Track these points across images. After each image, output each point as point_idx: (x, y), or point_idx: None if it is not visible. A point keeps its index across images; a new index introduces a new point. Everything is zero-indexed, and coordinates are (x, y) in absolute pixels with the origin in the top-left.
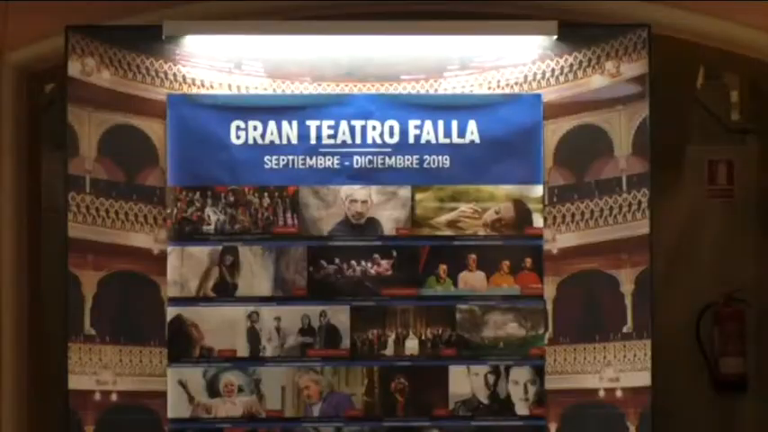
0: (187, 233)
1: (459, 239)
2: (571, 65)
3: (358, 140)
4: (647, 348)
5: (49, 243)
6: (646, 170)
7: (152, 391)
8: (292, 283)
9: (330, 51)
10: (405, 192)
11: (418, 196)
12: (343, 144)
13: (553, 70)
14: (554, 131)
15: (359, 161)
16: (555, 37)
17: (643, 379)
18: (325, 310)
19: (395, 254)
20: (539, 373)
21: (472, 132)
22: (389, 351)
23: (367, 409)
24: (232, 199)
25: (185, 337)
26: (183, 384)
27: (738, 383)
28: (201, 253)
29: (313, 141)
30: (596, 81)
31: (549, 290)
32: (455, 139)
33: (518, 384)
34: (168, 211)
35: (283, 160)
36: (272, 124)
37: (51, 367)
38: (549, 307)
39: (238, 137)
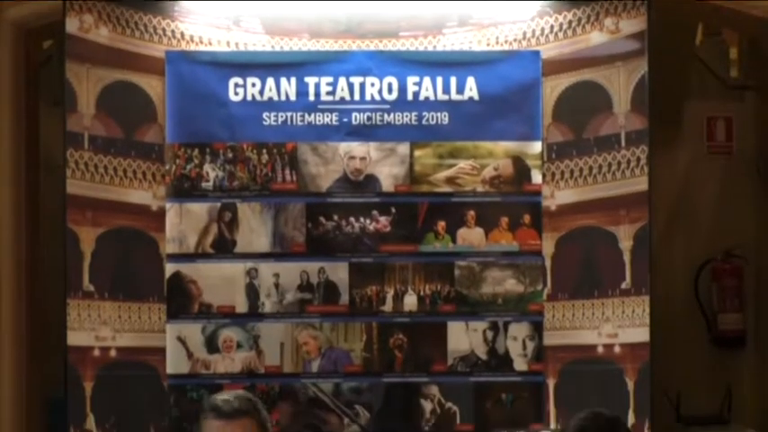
0: (186, 190)
1: (457, 196)
2: (570, 21)
3: (357, 97)
4: (646, 304)
5: (48, 200)
6: (644, 126)
7: (151, 348)
8: (291, 239)
9: (329, 8)
10: (403, 148)
11: (417, 153)
12: (342, 101)
13: (552, 27)
14: (553, 88)
15: (357, 118)
16: None
17: (641, 335)
18: (324, 266)
19: (393, 210)
20: (537, 329)
21: (471, 89)
22: (388, 307)
23: (366, 364)
24: (231, 156)
25: (184, 294)
26: (181, 340)
27: (737, 340)
28: (200, 209)
29: (311, 98)
30: (595, 38)
31: (548, 246)
32: (454, 96)
33: (516, 340)
34: (167, 167)
35: (282, 117)
36: (270, 81)
37: (50, 324)
38: (548, 263)
39: (237, 93)
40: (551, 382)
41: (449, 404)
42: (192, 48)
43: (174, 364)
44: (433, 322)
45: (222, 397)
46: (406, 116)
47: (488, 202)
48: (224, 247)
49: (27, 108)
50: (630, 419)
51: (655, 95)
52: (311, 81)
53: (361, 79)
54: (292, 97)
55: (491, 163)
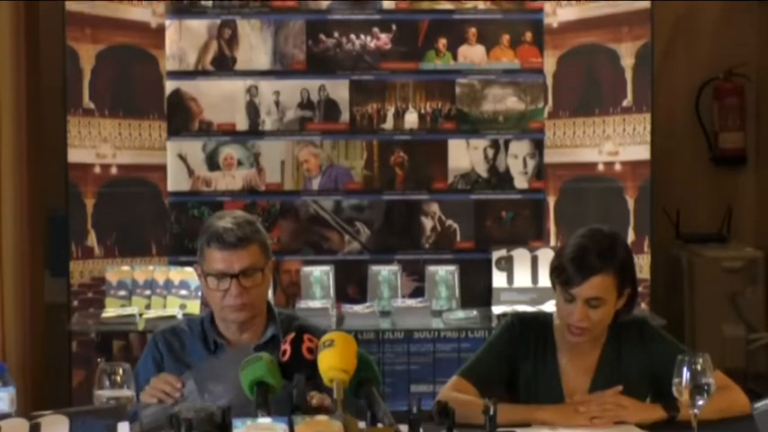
0: (185, 6)
1: (458, 13)
2: None
3: None
4: (647, 122)
5: (47, 17)
6: None
7: (152, 165)
8: (291, 56)
9: None
10: None
11: None
12: None
13: None
14: None
15: None
16: None
17: (642, 152)
18: (325, 84)
19: (394, 27)
20: (538, 146)
21: None
22: (389, 125)
23: (366, 182)
24: None
25: (184, 111)
26: (182, 158)
27: (737, 158)
28: (200, 26)
29: None
30: None
31: (549, 64)
32: None
33: (517, 158)
34: None
35: None
36: None
37: (51, 141)
38: (549, 81)
39: None
40: (551, 200)
41: (449, 221)
42: None
43: (175, 181)
44: (434, 140)
45: (223, 225)
46: None
47: (490, 19)
48: (224, 65)
49: None
50: (630, 236)
51: None
52: None
53: None
54: None
55: None
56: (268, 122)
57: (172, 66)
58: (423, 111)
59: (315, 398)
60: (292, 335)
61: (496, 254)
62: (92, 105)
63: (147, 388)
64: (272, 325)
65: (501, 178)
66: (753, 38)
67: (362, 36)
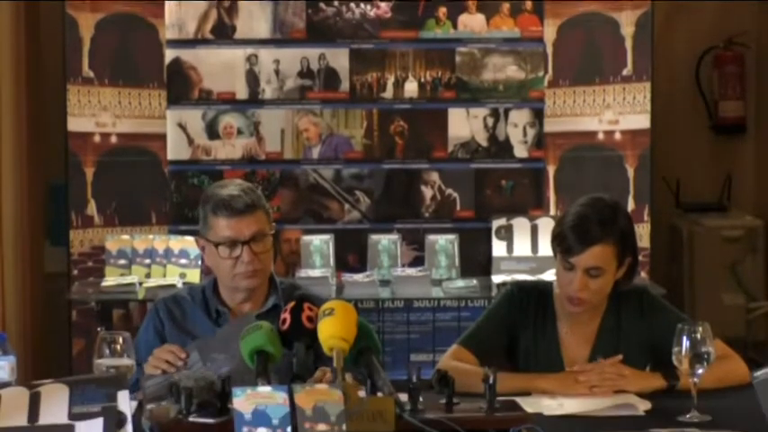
0: None
1: None
2: None
3: None
4: (647, 91)
5: None
6: None
7: (152, 134)
8: (291, 25)
9: None
10: None
11: None
12: None
13: None
14: None
15: None
16: None
17: (642, 121)
18: (325, 52)
19: None
20: (538, 115)
21: None
22: (389, 94)
23: (366, 151)
24: None
25: (184, 80)
26: (182, 126)
27: (737, 127)
28: None
29: None
30: None
31: (549, 32)
32: None
33: (517, 127)
34: None
35: None
36: None
37: (50, 110)
38: (549, 49)
39: None
40: (551, 169)
41: (449, 190)
42: None
43: (175, 150)
44: (434, 109)
45: (228, 192)
46: None
47: None
48: (224, 33)
49: None
50: (630, 205)
51: None
52: None
53: None
54: None
55: None
56: (268, 91)
57: (171, 34)
58: (423, 79)
59: (325, 377)
60: (292, 303)
61: (496, 223)
62: (91, 74)
63: (150, 359)
64: (274, 294)
65: (501, 147)
66: (753, 6)
67: (362, 4)
